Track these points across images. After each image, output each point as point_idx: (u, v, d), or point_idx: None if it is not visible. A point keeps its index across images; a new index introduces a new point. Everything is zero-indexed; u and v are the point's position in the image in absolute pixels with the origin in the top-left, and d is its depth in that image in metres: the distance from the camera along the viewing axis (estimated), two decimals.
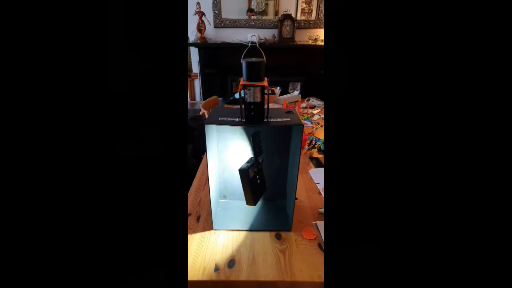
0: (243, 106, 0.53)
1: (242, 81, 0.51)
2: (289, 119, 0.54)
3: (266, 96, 0.51)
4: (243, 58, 0.50)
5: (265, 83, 0.51)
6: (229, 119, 0.54)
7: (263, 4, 2.47)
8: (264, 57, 0.52)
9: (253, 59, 0.50)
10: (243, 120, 0.53)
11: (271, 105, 1.48)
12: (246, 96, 0.51)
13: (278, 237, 0.59)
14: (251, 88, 0.50)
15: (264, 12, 2.51)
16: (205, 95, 2.71)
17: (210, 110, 0.60)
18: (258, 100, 0.51)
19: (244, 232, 0.61)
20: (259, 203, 0.67)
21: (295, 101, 1.61)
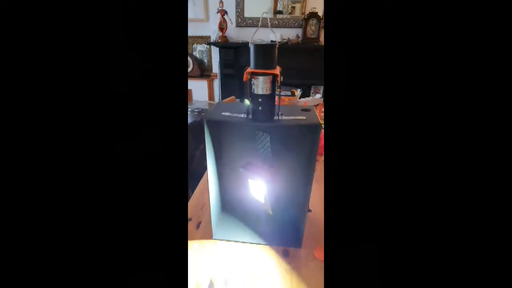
0: (249, 100, 0.48)
1: (249, 69, 0.45)
2: (304, 118, 0.48)
3: (278, 89, 0.46)
4: (252, 41, 0.45)
5: (277, 71, 0.45)
6: (233, 114, 0.49)
7: (290, 7, 2.48)
8: (277, 42, 0.48)
9: (264, 42, 0.46)
10: (250, 117, 0.48)
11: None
12: (253, 86, 0.46)
13: (286, 254, 0.56)
14: (260, 77, 0.45)
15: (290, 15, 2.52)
16: (224, 96, 2.76)
17: (215, 104, 0.57)
18: (268, 92, 0.46)
19: (247, 245, 0.58)
20: (266, 214, 0.63)
21: (316, 105, 1.59)
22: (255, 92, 0.47)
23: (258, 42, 0.45)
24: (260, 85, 0.46)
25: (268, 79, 0.45)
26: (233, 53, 2.59)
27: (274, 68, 0.46)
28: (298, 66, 2.48)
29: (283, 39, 2.51)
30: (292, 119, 0.48)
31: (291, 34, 2.53)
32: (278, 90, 0.47)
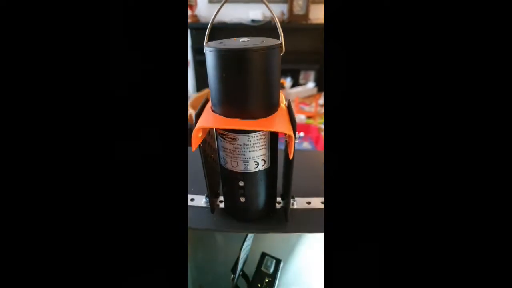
0: (219, 186, 0.30)
1: (210, 115, 0.25)
2: None
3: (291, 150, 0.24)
4: (208, 41, 0.25)
5: (284, 118, 0.25)
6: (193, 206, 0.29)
7: None
8: (282, 38, 0.25)
9: (240, 41, 0.24)
10: (219, 205, 0.31)
11: None
12: (222, 154, 0.27)
13: None
14: (241, 136, 0.25)
15: None
16: (200, 86, 2.76)
17: None
18: (264, 165, 0.26)
19: None
20: None
21: (310, 96, 1.62)
22: (230, 168, 0.26)
23: (227, 45, 0.23)
24: (242, 154, 0.25)
25: (263, 139, 0.25)
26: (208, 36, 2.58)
27: (275, 107, 0.25)
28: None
29: (265, 17, 2.54)
30: (316, 211, 0.30)
31: (275, 11, 2.54)
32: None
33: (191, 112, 1.45)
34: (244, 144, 0.25)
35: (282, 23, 2.50)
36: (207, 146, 0.28)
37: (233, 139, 0.25)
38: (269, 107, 0.25)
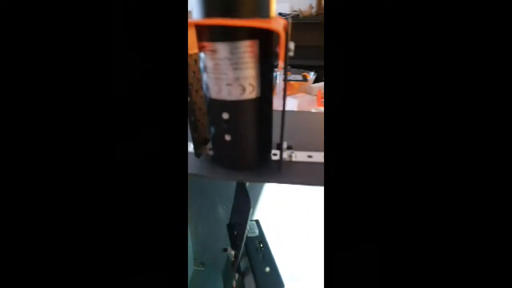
0: (197, 115, 0.27)
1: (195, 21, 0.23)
2: None
3: (282, 81, 0.23)
4: None
5: (278, 25, 0.21)
6: None
7: None
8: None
9: None
10: (209, 152, 0.28)
11: (301, 96, 1.44)
12: (205, 77, 0.24)
13: None
14: (221, 45, 0.22)
15: None
16: None
17: None
18: (254, 94, 0.23)
19: None
20: None
21: None
22: (213, 96, 0.24)
23: None
24: (225, 73, 0.22)
25: (249, 52, 0.22)
26: None
27: (268, 13, 0.22)
28: (311, 43, 2.48)
29: (294, 11, 2.51)
30: (317, 164, 0.28)
31: (302, 4, 2.52)
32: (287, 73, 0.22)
33: None
34: (225, 57, 0.22)
35: (310, 16, 2.46)
36: (193, 78, 0.26)
37: (213, 51, 0.22)
38: (255, 8, 0.22)
